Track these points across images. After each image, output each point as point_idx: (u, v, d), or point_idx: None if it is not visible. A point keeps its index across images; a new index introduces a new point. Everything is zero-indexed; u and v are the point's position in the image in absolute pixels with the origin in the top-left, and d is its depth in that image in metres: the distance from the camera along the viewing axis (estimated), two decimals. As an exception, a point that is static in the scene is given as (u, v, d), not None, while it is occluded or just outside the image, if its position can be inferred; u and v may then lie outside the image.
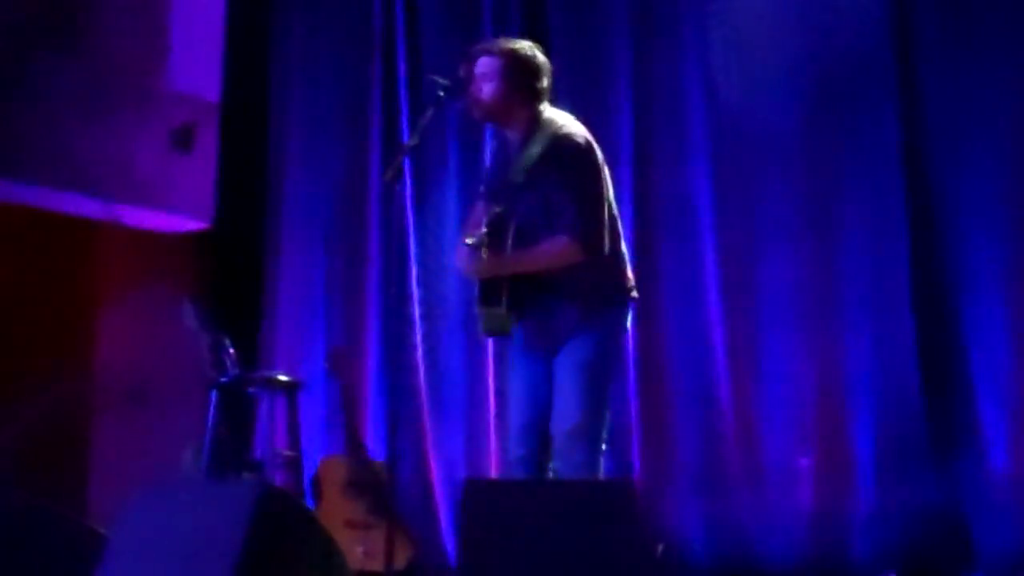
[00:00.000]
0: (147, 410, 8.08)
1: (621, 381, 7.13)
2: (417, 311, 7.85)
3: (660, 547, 6.78)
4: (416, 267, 7.91)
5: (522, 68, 5.24)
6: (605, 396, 5.15)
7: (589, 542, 4.00)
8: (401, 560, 6.73)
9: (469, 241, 5.11)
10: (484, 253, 5.07)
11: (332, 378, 7.59)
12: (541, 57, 5.32)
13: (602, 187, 5.15)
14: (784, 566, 6.80)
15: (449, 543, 7.54)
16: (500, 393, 7.45)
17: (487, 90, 5.23)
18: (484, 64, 5.24)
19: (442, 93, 5.28)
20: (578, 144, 5.16)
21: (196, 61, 8.32)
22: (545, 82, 5.29)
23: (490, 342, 7.54)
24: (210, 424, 6.94)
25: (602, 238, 5.09)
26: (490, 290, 5.10)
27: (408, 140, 7.30)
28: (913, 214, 6.75)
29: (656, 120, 7.41)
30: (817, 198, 7.03)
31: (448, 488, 7.65)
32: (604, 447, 5.13)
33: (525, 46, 5.32)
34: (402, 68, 8.18)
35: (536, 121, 5.25)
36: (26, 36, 7.46)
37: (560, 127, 5.20)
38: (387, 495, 6.47)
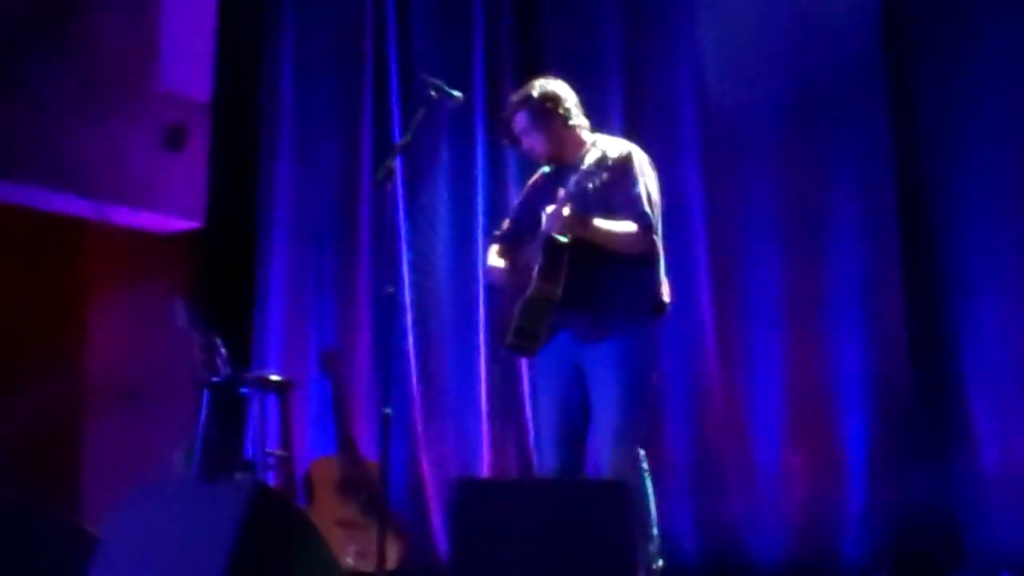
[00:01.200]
0: (139, 410, 8.09)
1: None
2: (409, 311, 7.85)
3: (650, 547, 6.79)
4: (407, 267, 7.90)
5: (549, 105, 5.41)
6: (644, 405, 5.27)
7: (580, 542, 4.01)
8: (393, 560, 6.73)
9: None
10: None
11: (324, 378, 7.59)
12: (554, 84, 5.52)
13: (659, 198, 5.34)
14: (775, 565, 6.81)
15: (441, 543, 7.54)
16: (496, 405, 7.49)
17: (536, 142, 5.43)
18: (519, 121, 5.42)
19: (433, 93, 5.30)
20: (646, 159, 5.39)
21: (187, 61, 8.33)
22: (570, 103, 5.47)
23: (482, 340, 7.55)
24: (202, 424, 6.94)
25: (659, 236, 5.29)
26: (534, 318, 5.17)
27: (399, 140, 7.31)
28: (904, 213, 6.75)
29: (647, 119, 7.41)
30: (809, 197, 7.02)
31: (440, 488, 7.65)
32: (643, 452, 5.23)
33: (537, 85, 5.48)
34: (393, 67, 8.17)
35: (587, 140, 5.44)
36: (17, 36, 7.46)
37: (625, 143, 5.44)
38: (379, 495, 6.46)
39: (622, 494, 4.35)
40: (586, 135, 5.46)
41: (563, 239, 5.09)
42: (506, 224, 5.64)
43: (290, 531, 3.94)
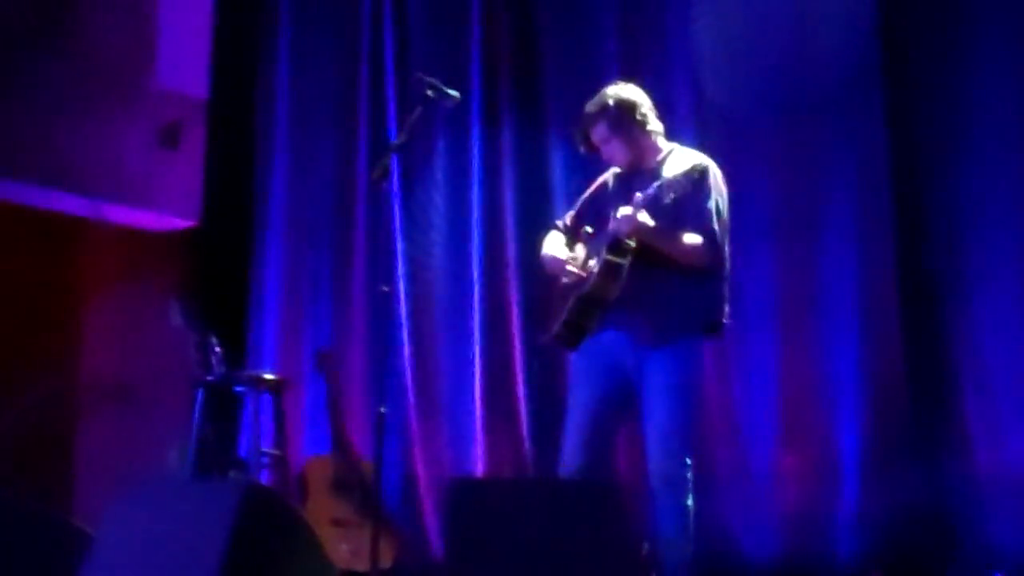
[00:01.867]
0: (133, 409, 8.08)
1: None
2: (404, 310, 7.84)
3: (645, 546, 6.78)
4: (403, 266, 7.90)
5: (625, 113, 5.42)
6: (694, 420, 5.33)
7: (574, 541, 4.01)
8: (387, 559, 6.74)
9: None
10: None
11: (318, 377, 7.58)
12: (629, 90, 5.52)
13: (727, 221, 5.36)
14: (769, 565, 6.81)
15: (435, 542, 7.54)
16: (491, 404, 7.49)
17: (616, 151, 5.45)
18: (599, 132, 5.42)
19: (430, 92, 5.29)
20: (719, 173, 5.40)
21: (183, 59, 8.33)
22: (645, 108, 5.47)
23: (477, 340, 7.56)
24: (196, 423, 6.95)
25: (725, 253, 5.32)
26: (585, 314, 5.23)
27: (396, 139, 7.31)
28: (900, 214, 6.75)
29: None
30: (804, 198, 7.03)
31: (434, 487, 7.64)
32: (690, 462, 5.26)
33: (611, 93, 5.48)
34: (390, 66, 8.17)
35: (663, 148, 5.49)
36: (13, 34, 7.46)
37: (701, 156, 5.43)
38: (373, 494, 6.46)
39: (616, 494, 4.35)
40: (662, 142, 5.50)
41: (630, 242, 5.11)
42: (569, 217, 5.66)
43: (284, 530, 3.93)
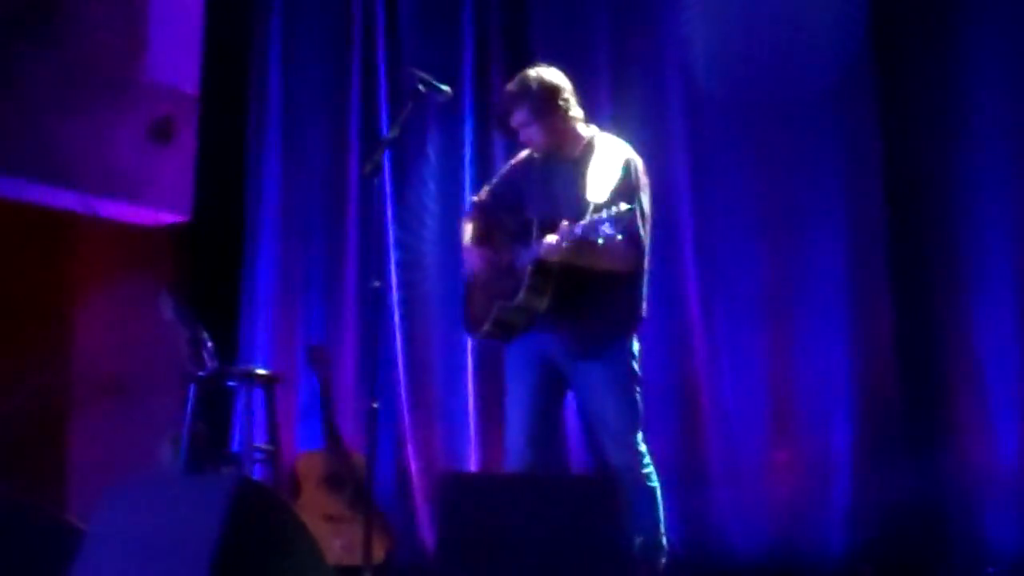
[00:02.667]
0: (125, 403, 8.07)
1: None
2: (396, 305, 7.84)
3: (639, 541, 6.79)
4: (395, 260, 7.90)
5: (548, 97, 5.39)
6: (638, 402, 5.38)
7: (566, 536, 4.01)
8: (379, 554, 6.73)
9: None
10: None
11: (310, 372, 7.58)
12: (551, 74, 5.49)
13: (650, 215, 5.37)
14: (761, 560, 6.81)
15: (427, 537, 7.54)
16: (484, 400, 7.49)
17: (534, 136, 5.42)
18: (518, 117, 5.40)
19: (421, 87, 5.29)
20: (643, 167, 5.40)
21: (175, 53, 8.31)
22: (567, 93, 5.46)
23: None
24: (188, 418, 6.93)
25: (646, 255, 5.32)
26: (511, 324, 5.28)
27: (387, 133, 7.31)
28: (892, 209, 6.76)
29: (635, 112, 7.39)
30: (796, 192, 7.02)
31: (426, 482, 7.64)
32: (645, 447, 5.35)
33: (533, 76, 5.46)
34: (381, 61, 8.16)
35: (584, 136, 5.48)
36: (3, 29, 7.44)
37: (625, 148, 5.43)
38: (365, 489, 6.46)
39: (609, 489, 4.36)
40: (582, 128, 5.48)
41: (554, 263, 5.13)
42: (484, 193, 5.65)
43: (276, 525, 3.94)
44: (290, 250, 8.33)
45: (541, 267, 5.13)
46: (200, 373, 7.00)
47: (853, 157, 6.89)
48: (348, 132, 8.24)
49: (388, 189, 7.92)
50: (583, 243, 4.99)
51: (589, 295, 5.21)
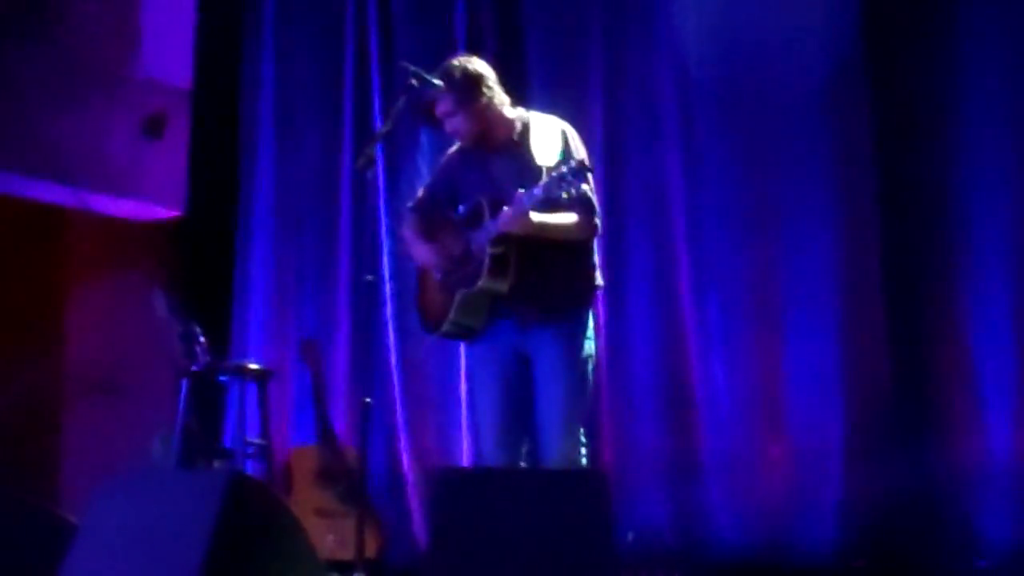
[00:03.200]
0: (118, 398, 8.07)
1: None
2: (389, 299, 7.84)
3: (631, 535, 6.80)
4: (388, 255, 7.89)
5: (472, 86, 5.30)
6: (587, 392, 5.29)
7: (559, 531, 4.01)
8: (372, 549, 6.74)
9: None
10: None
11: (303, 366, 7.58)
12: (475, 63, 5.40)
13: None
14: (752, 553, 6.81)
15: (420, 532, 7.54)
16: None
17: (460, 125, 5.33)
18: (443, 106, 5.32)
19: (414, 81, 5.28)
20: (575, 132, 5.33)
21: (167, 48, 8.30)
22: (491, 81, 5.37)
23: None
24: (180, 412, 6.94)
25: (599, 221, 5.28)
26: (475, 311, 5.19)
27: (380, 127, 7.30)
28: (884, 202, 6.76)
29: (628, 107, 7.41)
30: (789, 187, 7.02)
31: (419, 476, 7.64)
32: (584, 439, 5.26)
33: (457, 64, 5.38)
34: (374, 55, 8.16)
35: (513, 118, 5.36)
36: (-4, 24, 7.44)
37: (558, 120, 5.35)
38: (358, 484, 6.46)
39: (602, 483, 4.36)
40: (509, 111, 5.38)
41: (509, 235, 5.06)
42: (420, 194, 5.61)
43: (269, 520, 3.94)
44: (283, 244, 8.33)
45: (500, 243, 5.07)
46: (193, 368, 7.00)
47: (845, 151, 6.89)
48: (341, 126, 8.24)
49: (381, 183, 7.92)
50: (548, 204, 4.96)
51: (547, 268, 5.14)
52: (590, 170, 5.07)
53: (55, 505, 5.36)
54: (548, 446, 5.18)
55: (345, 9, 8.30)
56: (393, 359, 7.81)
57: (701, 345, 7.11)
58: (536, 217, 5.02)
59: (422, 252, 5.47)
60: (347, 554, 6.43)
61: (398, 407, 7.77)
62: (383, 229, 7.92)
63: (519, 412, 5.27)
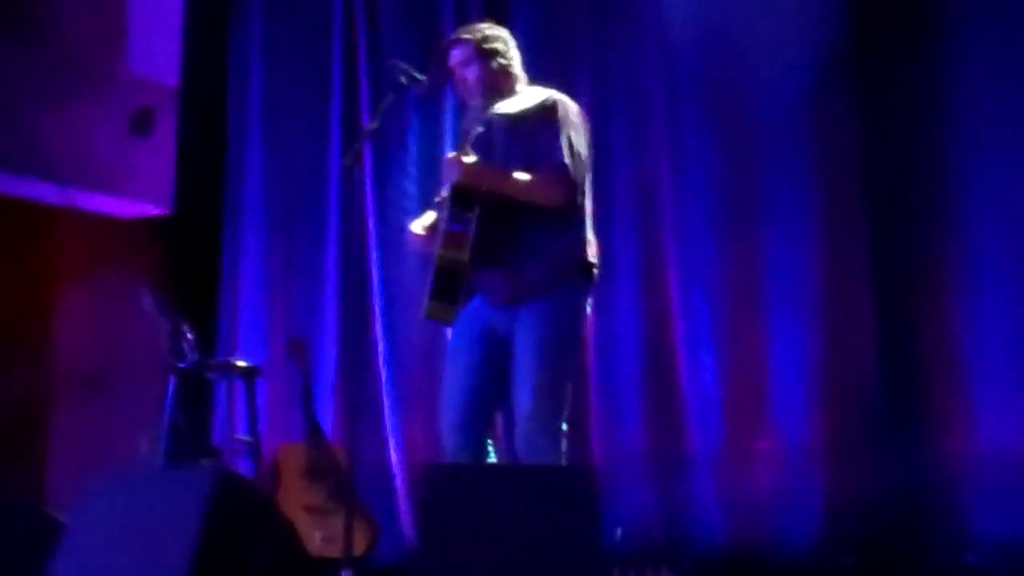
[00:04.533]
0: (105, 396, 8.06)
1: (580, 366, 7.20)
2: (377, 297, 7.84)
3: (619, 531, 6.80)
4: (376, 252, 7.89)
5: (495, 42, 5.30)
6: (567, 378, 5.06)
7: (547, 528, 4.01)
8: (360, 546, 6.73)
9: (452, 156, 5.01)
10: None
11: (291, 364, 7.57)
12: (502, 29, 5.41)
13: (587, 151, 5.16)
14: (742, 550, 6.82)
15: (408, 528, 7.54)
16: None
17: (471, 77, 5.25)
18: (458, 54, 5.26)
19: (402, 78, 5.28)
20: (574, 108, 5.21)
21: (155, 46, 8.30)
22: (513, 51, 5.36)
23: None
24: (168, 410, 6.93)
25: (580, 190, 5.07)
26: (445, 284, 4.92)
27: (368, 125, 7.30)
28: (871, 199, 6.78)
29: (616, 105, 7.42)
30: (776, 185, 7.03)
31: (407, 473, 7.64)
32: (564, 429, 5.04)
33: (485, 25, 5.40)
34: (362, 52, 8.16)
35: (519, 91, 5.31)
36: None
37: (553, 92, 5.25)
38: (346, 481, 6.46)
39: (591, 479, 4.36)
40: (520, 87, 5.33)
41: (466, 194, 4.90)
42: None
43: (257, 517, 3.93)
44: (270, 242, 8.33)
45: (457, 206, 4.91)
46: (180, 365, 7.00)
47: (832, 149, 6.90)
48: (329, 123, 8.24)
49: (369, 180, 7.92)
50: (502, 163, 4.93)
51: (516, 233, 4.95)
52: (569, 146, 5.01)
53: (42, 503, 5.36)
54: (521, 439, 4.96)
55: (333, 6, 8.30)
56: (381, 356, 7.81)
57: (688, 342, 7.11)
58: (478, 163, 4.92)
59: (411, 238, 5.38)
60: (335, 551, 6.44)
61: (386, 404, 7.76)
62: (371, 226, 7.92)
63: (485, 401, 5.10)
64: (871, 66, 6.82)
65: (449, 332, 5.36)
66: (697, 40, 7.15)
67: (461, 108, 7.41)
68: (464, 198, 4.92)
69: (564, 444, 5.02)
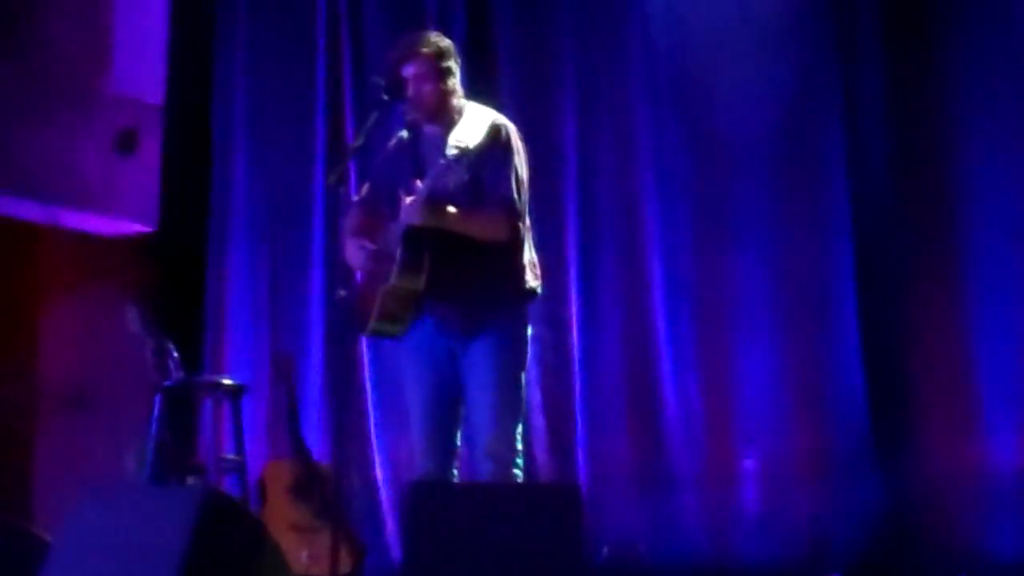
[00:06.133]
0: (91, 414, 8.04)
1: (565, 384, 7.20)
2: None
3: (606, 550, 6.80)
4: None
5: (449, 60, 5.27)
6: (519, 404, 5.19)
7: (532, 545, 4.02)
8: (346, 564, 6.72)
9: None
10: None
11: (276, 382, 7.56)
12: (447, 40, 5.36)
13: (527, 181, 5.20)
14: (730, 567, 6.83)
15: (394, 546, 7.53)
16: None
17: (429, 92, 5.22)
18: (418, 67, 5.22)
19: (386, 96, 5.27)
20: (516, 133, 5.23)
21: (139, 64, 8.29)
22: (457, 64, 5.33)
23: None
24: (154, 428, 6.92)
25: (524, 223, 5.16)
26: (396, 307, 5.05)
27: (352, 143, 7.30)
28: (857, 218, 6.79)
29: (601, 122, 7.43)
30: (762, 201, 7.06)
31: (393, 491, 7.64)
32: (520, 448, 5.14)
33: (435, 36, 5.36)
34: (346, 70, 8.17)
35: (462, 107, 5.29)
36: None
37: (496, 116, 5.27)
38: (332, 499, 6.46)
39: (576, 498, 4.36)
40: (458, 100, 5.32)
41: (420, 230, 4.96)
42: (365, 189, 5.50)
43: (242, 535, 3.93)
44: (256, 259, 8.32)
45: (409, 238, 4.98)
46: (166, 383, 6.99)
47: (818, 167, 6.93)
48: (313, 141, 8.23)
49: (353, 198, 7.92)
50: (435, 198, 4.93)
51: (466, 267, 5.03)
52: (515, 177, 5.07)
53: (27, 521, 5.35)
54: (480, 460, 5.10)
55: (317, 24, 8.30)
56: (367, 373, 7.80)
57: (673, 360, 7.12)
58: (437, 210, 4.95)
59: (349, 247, 5.35)
60: (321, 569, 6.44)
61: (372, 421, 7.76)
62: (343, 225, 7.92)
63: (448, 415, 5.18)
64: (855, 84, 6.85)
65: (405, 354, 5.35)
66: (681, 59, 7.17)
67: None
68: (418, 238, 4.99)
69: (521, 462, 5.13)
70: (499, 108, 5.46)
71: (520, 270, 5.17)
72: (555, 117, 7.46)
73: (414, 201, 4.97)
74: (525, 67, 7.64)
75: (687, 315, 7.13)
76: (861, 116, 6.84)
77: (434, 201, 4.96)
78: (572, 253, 7.29)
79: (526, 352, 5.27)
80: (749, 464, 6.91)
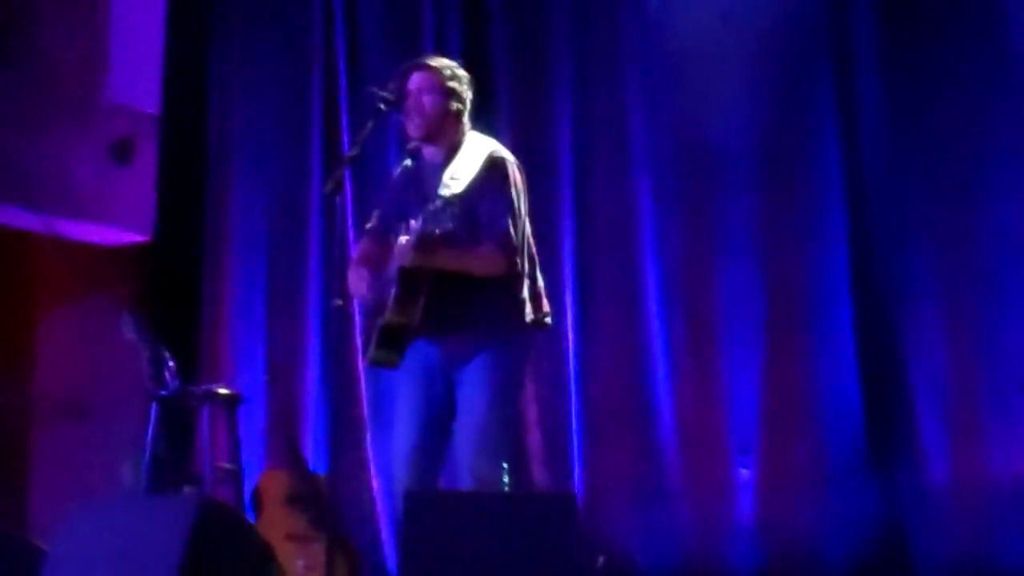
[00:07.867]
0: (87, 423, 8.05)
1: (561, 395, 7.21)
2: (357, 324, 7.84)
3: (602, 559, 6.80)
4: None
5: (458, 83, 5.26)
6: (512, 414, 5.22)
7: (529, 555, 4.02)
8: (341, 573, 6.72)
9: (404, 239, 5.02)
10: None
11: (272, 391, 7.57)
12: (464, 72, 5.35)
13: (526, 214, 5.18)
14: (722, 576, 6.84)
15: (391, 556, 7.53)
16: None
17: (429, 103, 5.21)
18: (423, 79, 5.22)
19: (382, 105, 5.27)
20: (514, 166, 5.19)
21: (135, 73, 8.30)
22: (469, 93, 5.32)
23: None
24: (150, 437, 6.91)
25: (522, 258, 5.12)
26: (392, 338, 5.03)
27: (348, 152, 7.31)
28: (853, 227, 6.79)
29: (597, 133, 7.44)
30: (757, 211, 7.05)
31: (389, 500, 7.63)
32: (507, 465, 5.12)
33: (454, 63, 5.35)
34: (342, 80, 8.17)
35: (462, 138, 5.26)
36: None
37: (495, 147, 5.23)
38: (328, 508, 6.45)
39: (571, 507, 4.37)
40: (460, 128, 5.29)
41: (414, 270, 4.95)
42: (374, 219, 5.47)
43: (238, 545, 3.94)
44: (252, 269, 8.33)
45: (405, 274, 4.97)
46: (162, 392, 6.99)
47: (814, 177, 6.93)
48: (309, 151, 8.24)
49: (349, 207, 7.92)
50: (424, 238, 4.89)
51: (464, 300, 5.02)
52: (511, 211, 5.05)
53: (23, 531, 5.36)
54: (463, 474, 5.07)
55: (313, 34, 8.32)
56: (362, 383, 7.81)
57: (672, 369, 7.12)
58: (428, 252, 4.92)
59: (351, 277, 5.33)
60: (317, 579, 6.44)
61: (367, 430, 7.76)
62: (351, 253, 7.92)
63: (437, 432, 5.16)
64: (852, 91, 6.86)
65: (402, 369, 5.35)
66: (677, 69, 7.18)
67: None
68: (414, 277, 4.97)
69: (506, 478, 5.11)
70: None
71: (519, 303, 5.14)
72: (550, 127, 7.47)
73: (408, 242, 4.96)
74: (521, 76, 7.64)
75: (682, 326, 7.13)
76: (856, 123, 6.84)
77: (425, 243, 4.93)
78: (567, 264, 7.30)
79: (521, 384, 5.29)
80: (744, 474, 6.91)
